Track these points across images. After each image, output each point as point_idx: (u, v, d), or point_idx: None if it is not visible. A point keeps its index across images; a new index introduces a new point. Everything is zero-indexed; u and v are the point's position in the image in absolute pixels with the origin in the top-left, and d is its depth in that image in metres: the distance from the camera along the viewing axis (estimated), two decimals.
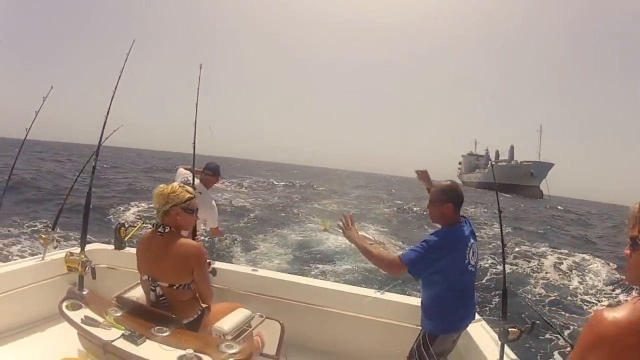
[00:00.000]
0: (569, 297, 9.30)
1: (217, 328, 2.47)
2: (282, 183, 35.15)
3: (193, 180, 3.53)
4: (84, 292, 2.33)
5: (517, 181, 62.71)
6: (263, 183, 32.77)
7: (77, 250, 2.58)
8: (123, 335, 1.98)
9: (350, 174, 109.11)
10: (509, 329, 2.38)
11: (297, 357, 2.93)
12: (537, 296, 9.24)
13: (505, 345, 2.42)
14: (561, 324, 7.65)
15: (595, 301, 9.22)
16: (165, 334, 2.08)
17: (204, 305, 2.49)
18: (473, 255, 2.40)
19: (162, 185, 2.33)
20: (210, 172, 3.98)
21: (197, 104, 3.31)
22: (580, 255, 13.15)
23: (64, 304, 2.21)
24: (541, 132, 76.39)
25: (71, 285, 2.37)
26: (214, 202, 3.93)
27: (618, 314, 1.18)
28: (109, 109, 2.80)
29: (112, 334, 1.99)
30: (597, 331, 1.23)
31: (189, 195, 2.32)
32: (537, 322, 2.55)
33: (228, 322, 2.51)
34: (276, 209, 19.00)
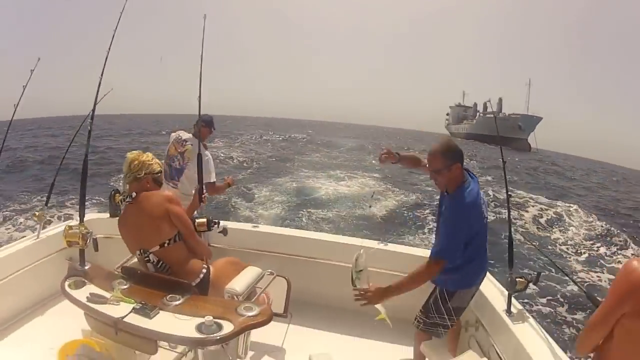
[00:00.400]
0: (549, 247, 9.68)
1: (229, 289, 2.41)
2: (275, 137, 35.44)
3: (200, 138, 3.42)
4: (86, 267, 2.22)
5: (504, 133, 62.37)
6: (255, 139, 32.55)
7: (74, 222, 2.46)
8: (134, 309, 1.90)
9: (338, 125, 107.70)
10: (517, 279, 2.41)
11: (302, 313, 2.92)
12: (517, 241, 9.56)
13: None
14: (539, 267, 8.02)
15: (572, 252, 9.58)
16: (178, 302, 2.00)
17: (204, 266, 2.43)
18: (486, 208, 2.31)
19: (135, 152, 2.32)
20: (204, 123, 3.83)
21: (202, 55, 3.23)
22: (563, 206, 13.55)
23: (67, 282, 2.10)
24: (530, 86, 74.68)
25: (70, 261, 2.27)
26: (208, 154, 3.73)
27: None
28: (103, 69, 2.62)
29: (122, 310, 1.91)
30: (632, 279, 1.31)
31: (159, 168, 2.37)
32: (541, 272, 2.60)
33: (240, 282, 2.45)
34: (271, 161, 19.54)
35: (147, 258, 2.26)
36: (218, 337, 1.80)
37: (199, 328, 1.82)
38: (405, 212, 11.34)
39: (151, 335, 1.82)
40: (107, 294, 2.03)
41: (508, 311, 2.45)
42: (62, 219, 8.11)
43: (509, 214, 2.75)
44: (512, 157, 38.26)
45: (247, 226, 3.66)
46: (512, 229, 2.61)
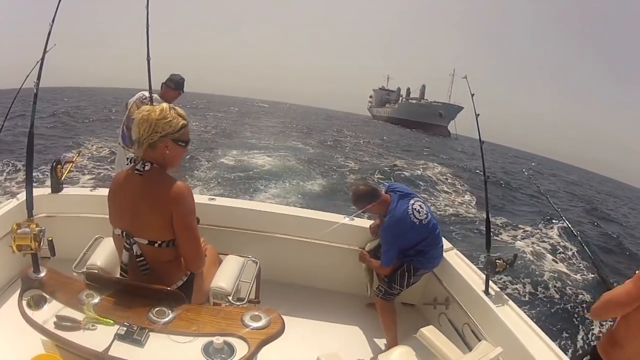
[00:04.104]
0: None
1: (216, 289, 2.06)
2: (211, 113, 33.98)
3: (151, 98, 3.10)
4: (41, 275, 1.67)
5: (425, 119, 65.69)
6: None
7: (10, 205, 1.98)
8: (118, 336, 1.46)
9: (254, 102, 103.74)
10: (496, 261, 2.46)
11: (270, 294, 2.57)
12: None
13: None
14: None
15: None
16: (169, 319, 1.58)
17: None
18: (419, 212, 2.71)
19: (147, 108, 1.73)
20: (172, 85, 3.41)
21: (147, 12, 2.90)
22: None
23: (24, 300, 1.57)
24: (454, 76, 78.70)
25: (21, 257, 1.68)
26: None
27: None
28: (53, 18, 2.06)
29: (102, 336, 1.45)
30: None
31: (182, 122, 1.77)
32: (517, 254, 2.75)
33: (225, 278, 2.14)
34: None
35: (128, 245, 1.77)
36: None
37: (207, 352, 1.45)
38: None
39: None
40: (77, 314, 1.53)
41: (486, 292, 2.49)
42: None
43: (486, 198, 2.83)
44: (431, 140, 41.23)
45: (203, 198, 3.29)
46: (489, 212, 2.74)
